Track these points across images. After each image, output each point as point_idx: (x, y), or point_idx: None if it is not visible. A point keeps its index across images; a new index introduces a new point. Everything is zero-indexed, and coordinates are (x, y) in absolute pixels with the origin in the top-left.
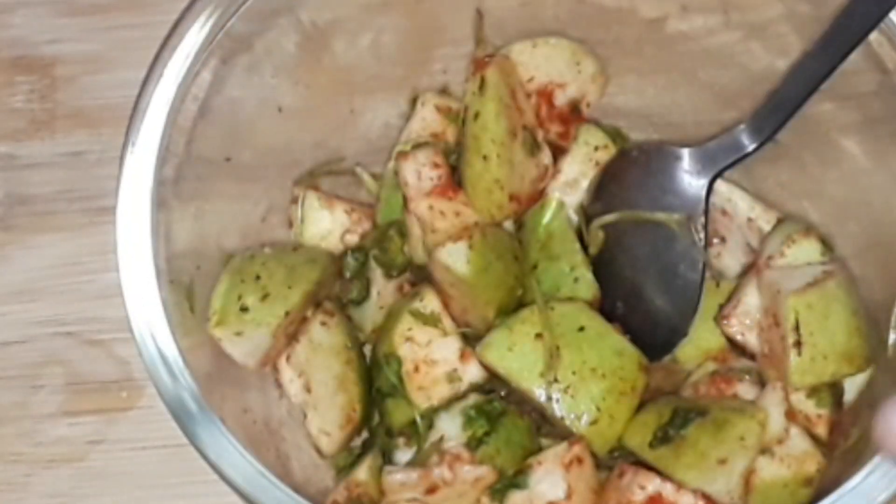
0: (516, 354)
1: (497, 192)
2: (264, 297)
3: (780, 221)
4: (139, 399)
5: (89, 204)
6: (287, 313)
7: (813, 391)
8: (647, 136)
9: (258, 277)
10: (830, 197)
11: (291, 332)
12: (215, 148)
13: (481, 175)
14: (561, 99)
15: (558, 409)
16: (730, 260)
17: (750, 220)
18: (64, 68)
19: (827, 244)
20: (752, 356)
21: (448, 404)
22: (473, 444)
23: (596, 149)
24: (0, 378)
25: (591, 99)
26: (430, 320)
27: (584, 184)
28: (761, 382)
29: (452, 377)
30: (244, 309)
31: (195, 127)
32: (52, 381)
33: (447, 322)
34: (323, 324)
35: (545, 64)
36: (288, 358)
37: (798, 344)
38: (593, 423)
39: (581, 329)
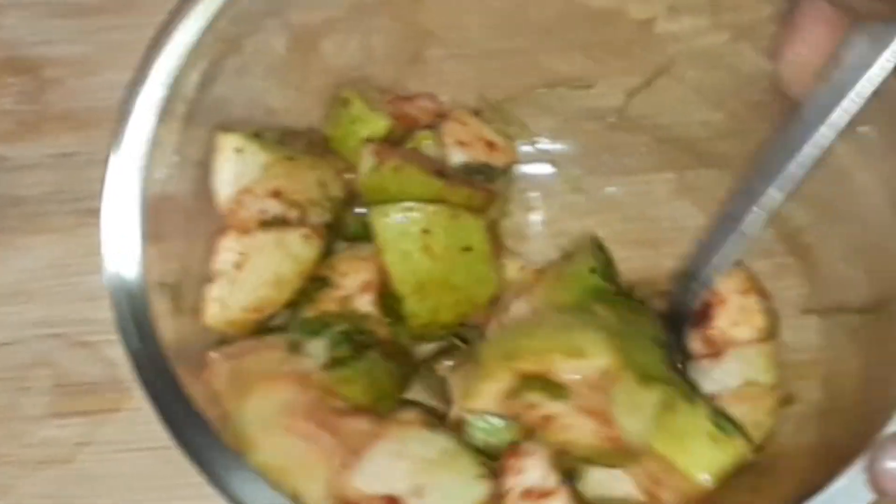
0: None
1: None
2: None
3: None
4: (127, 401)
5: (79, 206)
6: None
7: None
8: (634, 136)
9: None
10: (817, 198)
11: (268, 218)
12: (203, 150)
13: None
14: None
15: None
16: None
17: None
18: (53, 70)
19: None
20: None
21: (324, 327)
22: (333, 364)
23: None
24: None
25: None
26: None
27: None
28: None
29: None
30: None
31: (183, 129)
32: (40, 383)
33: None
34: (305, 237)
35: None
36: (247, 232)
37: None
38: None
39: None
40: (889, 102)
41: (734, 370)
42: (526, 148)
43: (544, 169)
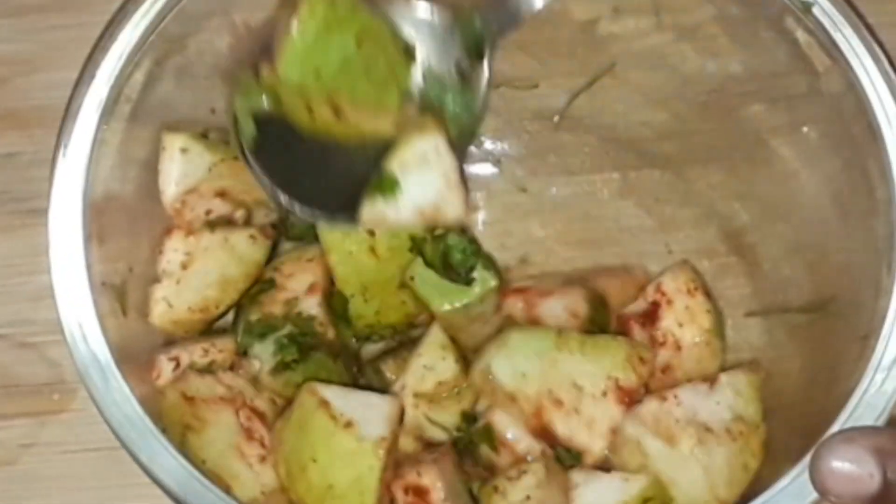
0: None
1: None
2: None
3: None
4: (71, 402)
5: (22, 206)
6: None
7: None
8: (577, 137)
9: None
10: (760, 198)
11: (214, 219)
12: (148, 149)
13: None
14: None
15: None
16: None
17: None
18: None
19: None
20: None
21: (270, 330)
22: (280, 368)
23: None
24: None
25: None
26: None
27: None
28: None
29: (291, 304)
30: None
31: (128, 128)
32: None
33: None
34: (252, 237)
35: None
36: (193, 233)
37: None
38: None
39: None
40: (831, 104)
41: (726, 400)
42: (470, 148)
43: (488, 169)
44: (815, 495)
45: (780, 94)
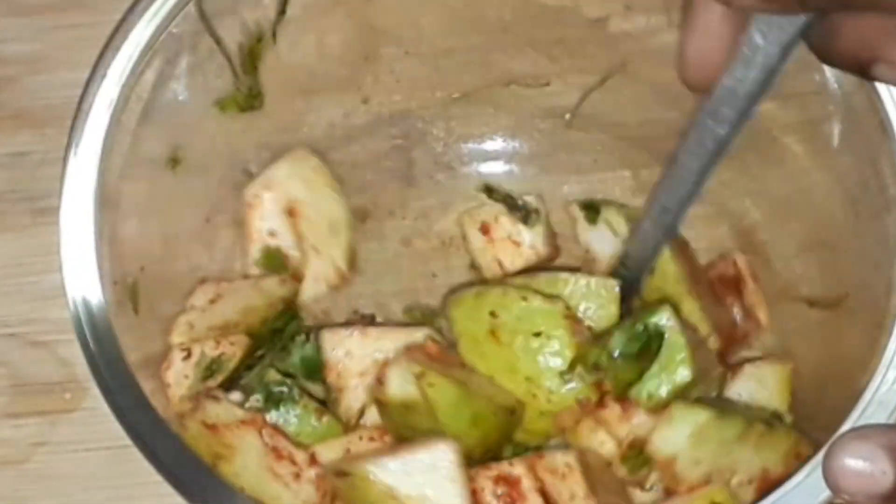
0: None
1: None
2: None
3: None
4: (83, 400)
5: (33, 205)
6: None
7: None
8: (589, 135)
9: None
10: (772, 196)
11: None
12: (159, 148)
13: None
14: None
15: None
16: None
17: None
18: (6, 68)
19: None
20: None
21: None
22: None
23: None
24: None
25: None
26: None
27: None
28: None
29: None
30: None
31: (139, 127)
32: None
33: None
34: (282, 280)
35: None
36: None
37: None
38: None
39: None
40: (843, 101)
41: (747, 391)
42: (482, 146)
43: (498, 167)
44: (827, 492)
45: (791, 91)
